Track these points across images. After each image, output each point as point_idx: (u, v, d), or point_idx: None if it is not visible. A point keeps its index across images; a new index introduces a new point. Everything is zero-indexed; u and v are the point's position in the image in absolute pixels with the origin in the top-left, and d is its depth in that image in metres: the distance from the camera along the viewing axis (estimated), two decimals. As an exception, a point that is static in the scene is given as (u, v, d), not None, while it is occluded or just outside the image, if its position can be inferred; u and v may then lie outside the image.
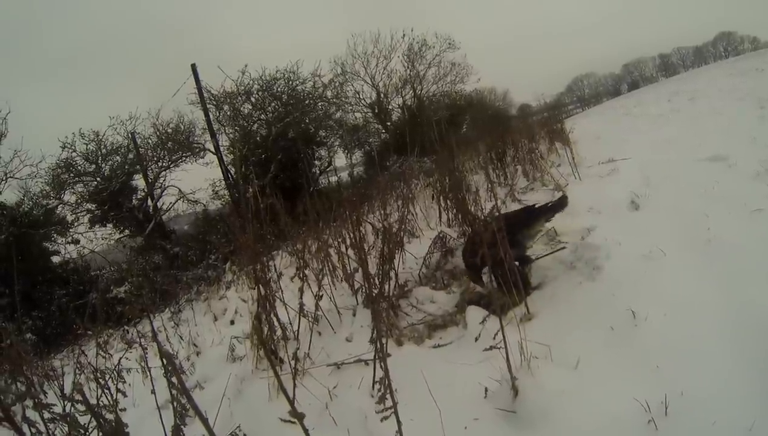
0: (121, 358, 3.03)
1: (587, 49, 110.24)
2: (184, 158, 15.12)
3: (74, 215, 13.79)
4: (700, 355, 2.21)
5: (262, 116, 14.90)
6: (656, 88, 26.12)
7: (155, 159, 14.85)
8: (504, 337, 2.21)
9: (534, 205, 3.67)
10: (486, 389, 2.39)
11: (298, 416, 1.21)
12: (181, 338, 5.21)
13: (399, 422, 1.78)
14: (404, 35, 18.90)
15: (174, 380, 2.21)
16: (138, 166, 14.44)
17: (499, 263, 3.00)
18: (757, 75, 13.78)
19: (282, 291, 4.09)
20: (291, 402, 1.20)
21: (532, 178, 6.62)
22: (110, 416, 2.01)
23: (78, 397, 1.99)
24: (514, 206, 5.34)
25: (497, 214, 3.04)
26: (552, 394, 2.19)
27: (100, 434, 1.93)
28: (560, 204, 3.54)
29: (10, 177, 12.39)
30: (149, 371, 3.09)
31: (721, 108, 9.25)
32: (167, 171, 15.06)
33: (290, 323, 3.71)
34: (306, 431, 1.29)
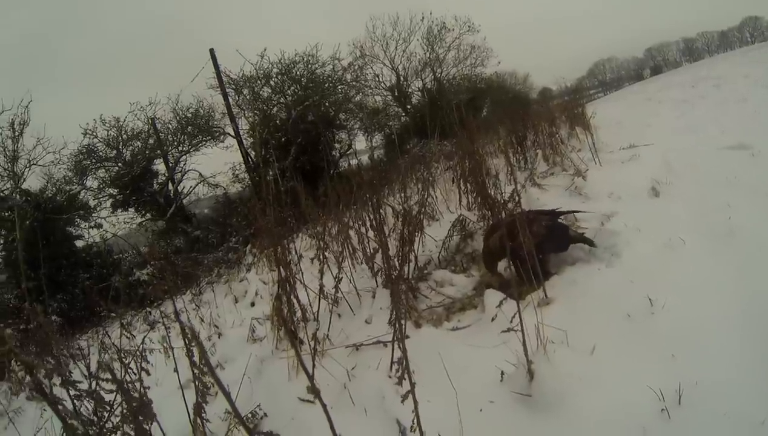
0: (144, 337, 3.12)
1: (609, 33, 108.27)
2: (204, 142, 15.23)
3: (97, 200, 13.97)
4: (717, 345, 2.20)
5: (282, 100, 14.86)
6: (680, 73, 25.60)
7: (175, 143, 14.99)
8: (521, 320, 2.22)
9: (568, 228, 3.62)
10: (502, 373, 2.40)
11: (315, 392, 1.25)
12: (201, 319, 5.30)
13: (416, 403, 1.81)
14: (423, 18, 18.76)
15: (197, 357, 2.27)
16: (158, 151, 14.59)
17: (518, 250, 3.01)
18: (785, 61, 13.44)
19: (302, 273, 4.14)
20: (310, 378, 1.24)
21: (552, 162, 6.56)
22: (135, 394, 2.06)
23: (104, 375, 2.06)
24: (534, 191, 5.31)
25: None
26: (567, 379, 2.20)
27: (126, 409, 1.98)
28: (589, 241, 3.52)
29: (34, 164, 12.54)
30: (172, 351, 3.17)
31: (746, 95, 9.04)
32: (187, 155, 15.19)
33: (310, 305, 3.76)
34: (324, 405, 1.33)
